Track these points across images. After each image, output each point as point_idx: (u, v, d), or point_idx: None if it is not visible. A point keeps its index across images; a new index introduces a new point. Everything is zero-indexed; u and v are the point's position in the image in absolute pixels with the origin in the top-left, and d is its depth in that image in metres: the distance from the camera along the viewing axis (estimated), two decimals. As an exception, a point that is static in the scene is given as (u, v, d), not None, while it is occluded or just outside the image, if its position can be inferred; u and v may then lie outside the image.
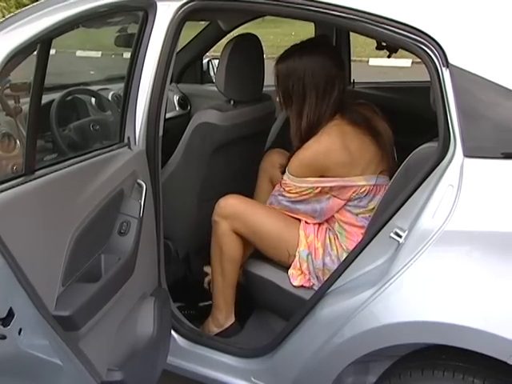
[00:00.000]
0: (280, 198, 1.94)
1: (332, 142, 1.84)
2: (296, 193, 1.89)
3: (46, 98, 2.03)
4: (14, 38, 1.14)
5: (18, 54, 1.12)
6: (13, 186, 1.20)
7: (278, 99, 1.96)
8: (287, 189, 1.90)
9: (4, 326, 1.14)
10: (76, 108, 2.37)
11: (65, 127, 2.19)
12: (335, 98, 1.86)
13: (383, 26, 1.46)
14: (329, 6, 1.52)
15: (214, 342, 1.95)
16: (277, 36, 10.62)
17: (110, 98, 2.60)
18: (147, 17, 1.65)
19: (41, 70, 1.24)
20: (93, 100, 2.45)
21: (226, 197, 1.97)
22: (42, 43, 1.19)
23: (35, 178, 1.26)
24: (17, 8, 16.32)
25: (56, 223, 1.33)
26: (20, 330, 1.18)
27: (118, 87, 2.64)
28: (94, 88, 2.59)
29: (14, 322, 1.16)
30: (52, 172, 1.32)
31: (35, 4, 1.29)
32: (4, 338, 1.14)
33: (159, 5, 1.70)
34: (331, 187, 1.85)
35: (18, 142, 1.84)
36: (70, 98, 2.31)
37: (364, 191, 1.85)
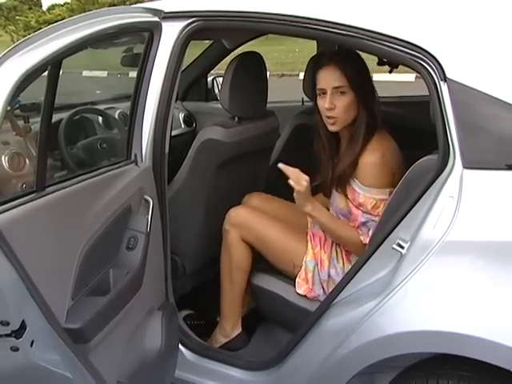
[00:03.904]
0: (372, 223, 1.80)
1: (389, 143, 1.84)
2: (377, 210, 1.79)
3: (54, 118, 2.08)
4: (26, 60, 1.18)
5: (31, 76, 1.17)
6: (25, 202, 1.24)
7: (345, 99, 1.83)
8: (369, 208, 1.80)
9: (17, 338, 1.18)
10: (84, 127, 2.42)
11: (73, 146, 2.24)
12: None
13: (382, 42, 1.50)
14: (330, 24, 1.57)
15: (221, 355, 1.97)
16: (281, 53, 10.72)
17: (116, 116, 2.65)
18: (152, 37, 1.70)
19: (51, 90, 1.29)
20: (100, 119, 2.50)
21: (236, 207, 2.03)
22: (52, 65, 1.24)
23: (46, 195, 1.30)
24: (25, 30, 16.58)
25: (66, 238, 1.37)
26: (32, 342, 1.22)
27: (125, 106, 2.69)
28: (101, 107, 2.65)
29: (27, 334, 1.19)
30: (62, 188, 1.37)
31: (45, 29, 1.34)
32: (17, 349, 1.18)
33: (164, 25, 1.75)
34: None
35: (27, 161, 1.89)
36: (77, 117, 2.35)
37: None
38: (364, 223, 1.82)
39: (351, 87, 1.80)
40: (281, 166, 1.81)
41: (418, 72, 1.47)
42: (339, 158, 1.89)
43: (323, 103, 1.82)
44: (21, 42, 1.25)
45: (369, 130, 1.82)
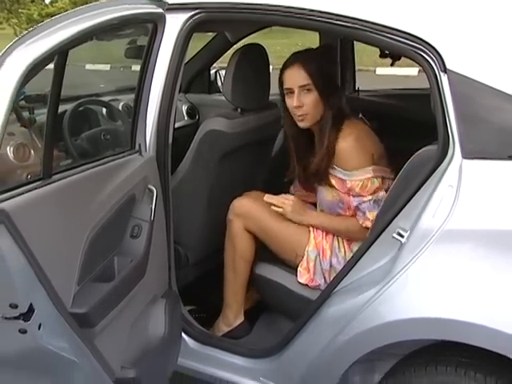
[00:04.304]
0: (365, 205, 1.87)
1: (362, 126, 1.94)
2: (366, 189, 1.86)
3: (59, 109, 2.11)
4: (34, 49, 1.20)
5: (38, 65, 1.19)
6: (32, 189, 1.27)
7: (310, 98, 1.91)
8: (358, 190, 1.86)
9: (25, 321, 1.20)
10: (88, 118, 2.43)
11: (77, 137, 2.26)
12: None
13: (384, 34, 1.52)
14: (333, 16, 1.58)
15: (224, 343, 2.00)
16: (283, 47, 10.71)
17: (120, 108, 2.67)
18: (156, 29, 1.71)
19: (58, 80, 1.31)
20: (104, 110, 2.51)
21: (240, 197, 2.06)
22: (59, 55, 1.27)
23: (53, 182, 1.33)
24: (28, 23, 16.53)
25: (72, 225, 1.39)
26: (40, 325, 1.24)
27: (128, 98, 2.71)
28: (105, 99, 2.66)
29: (35, 317, 1.22)
30: (68, 176, 1.39)
31: (51, 19, 1.36)
32: (25, 332, 1.21)
33: (168, 17, 1.76)
34: (383, 179, 1.88)
35: (32, 151, 1.91)
36: (81, 108, 2.37)
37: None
38: (357, 207, 1.88)
39: (315, 85, 1.88)
40: (265, 199, 1.96)
41: (418, 63, 1.49)
42: (314, 153, 1.95)
43: (291, 102, 1.91)
44: (27, 33, 1.27)
45: (336, 121, 1.90)
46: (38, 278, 1.23)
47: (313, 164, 1.94)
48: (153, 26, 1.70)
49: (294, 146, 2.05)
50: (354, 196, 1.88)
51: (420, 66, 1.49)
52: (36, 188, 1.28)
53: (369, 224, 1.85)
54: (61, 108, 2.19)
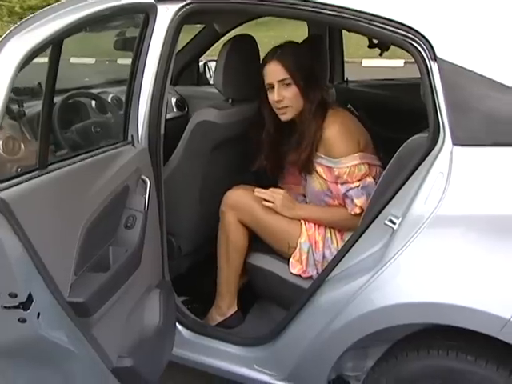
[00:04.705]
0: (352, 192, 1.90)
1: (345, 113, 1.98)
2: (353, 176, 1.89)
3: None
4: (27, 41, 1.20)
5: (32, 56, 1.19)
6: (29, 179, 1.27)
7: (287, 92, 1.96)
8: (346, 177, 1.90)
9: (24, 310, 1.21)
10: (77, 111, 2.43)
11: (67, 130, 2.25)
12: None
13: (374, 23, 1.53)
14: (325, 5, 1.59)
15: (218, 332, 2.01)
16: (270, 39, 10.70)
17: (109, 100, 2.66)
18: (148, 19, 1.72)
19: (53, 71, 1.32)
20: (93, 103, 2.51)
21: (233, 188, 2.08)
22: (53, 45, 1.27)
23: (49, 172, 1.33)
24: (9, 16, 16.26)
25: (68, 215, 1.40)
26: (38, 314, 1.25)
27: (117, 90, 2.71)
28: (94, 91, 2.66)
29: (34, 306, 1.22)
30: (64, 166, 1.40)
31: (44, 10, 1.36)
32: (24, 321, 1.21)
33: (159, 7, 1.76)
34: (370, 165, 1.92)
35: (22, 145, 1.90)
36: (70, 101, 2.36)
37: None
38: (345, 194, 1.91)
39: (293, 79, 1.92)
40: (256, 194, 1.99)
41: (408, 52, 1.51)
42: (298, 145, 1.99)
43: (273, 97, 1.96)
44: (20, 24, 1.27)
45: (319, 112, 1.94)
46: (36, 267, 1.24)
47: (297, 154, 1.97)
48: (144, 16, 1.70)
49: (268, 140, 2.09)
50: (341, 184, 1.91)
51: (410, 54, 1.51)
52: (32, 178, 1.28)
53: (357, 210, 1.88)
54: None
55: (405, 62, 8.27)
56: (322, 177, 1.96)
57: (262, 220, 2.00)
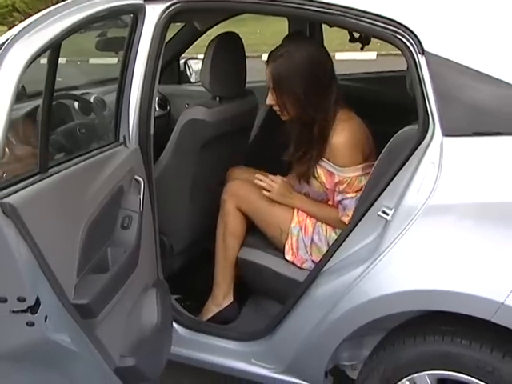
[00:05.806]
0: (347, 201, 1.90)
1: (355, 120, 1.92)
2: (353, 186, 1.89)
3: (29, 106, 2.09)
4: (31, 44, 1.21)
5: (35, 59, 1.20)
6: (32, 183, 1.28)
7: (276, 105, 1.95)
8: (345, 186, 1.89)
9: (32, 314, 1.22)
10: (60, 113, 2.41)
11: (52, 132, 2.23)
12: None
13: (361, 18, 1.56)
14: (311, 2, 1.61)
15: (214, 328, 2.03)
16: (243, 35, 10.70)
17: (92, 101, 2.64)
18: (137, 20, 1.72)
19: (52, 74, 1.32)
20: (76, 104, 2.49)
21: (233, 180, 2.14)
22: (52, 48, 1.27)
23: (50, 176, 1.34)
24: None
25: (70, 217, 1.41)
26: (46, 317, 1.26)
27: (98, 91, 2.69)
28: (76, 93, 2.63)
29: (41, 309, 1.23)
30: (63, 169, 1.40)
31: (41, 13, 1.36)
32: (32, 324, 1.22)
33: (147, 8, 1.77)
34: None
35: (7, 149, 1.88)
36: (54, 103, 2.34)
37: None
38: (339, 201, 1.92)
39: (273, 86, 1.91)
40: (256, 181, 2.02)
41: (396, 46, 1.54)
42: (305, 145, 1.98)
43: None
44: (21, 29, 1.27)
45: (309, 121, 1.90)
46: (42, 270, 1.24)
47: (299, 165, 1.98)
48: (133, 17, 1.71)
49: (292, 133, 2.04)
50: (338, 192, 1.92)
51: (398, 48, 1.54)
52: (35, 182, 1.29)
53: (346, 220, 1.87)
54: (32, 104, 2.19)
55: (377, 55, 8.37)
56: (321, 180, 1.95)
57: (259, 207, 2.05)
